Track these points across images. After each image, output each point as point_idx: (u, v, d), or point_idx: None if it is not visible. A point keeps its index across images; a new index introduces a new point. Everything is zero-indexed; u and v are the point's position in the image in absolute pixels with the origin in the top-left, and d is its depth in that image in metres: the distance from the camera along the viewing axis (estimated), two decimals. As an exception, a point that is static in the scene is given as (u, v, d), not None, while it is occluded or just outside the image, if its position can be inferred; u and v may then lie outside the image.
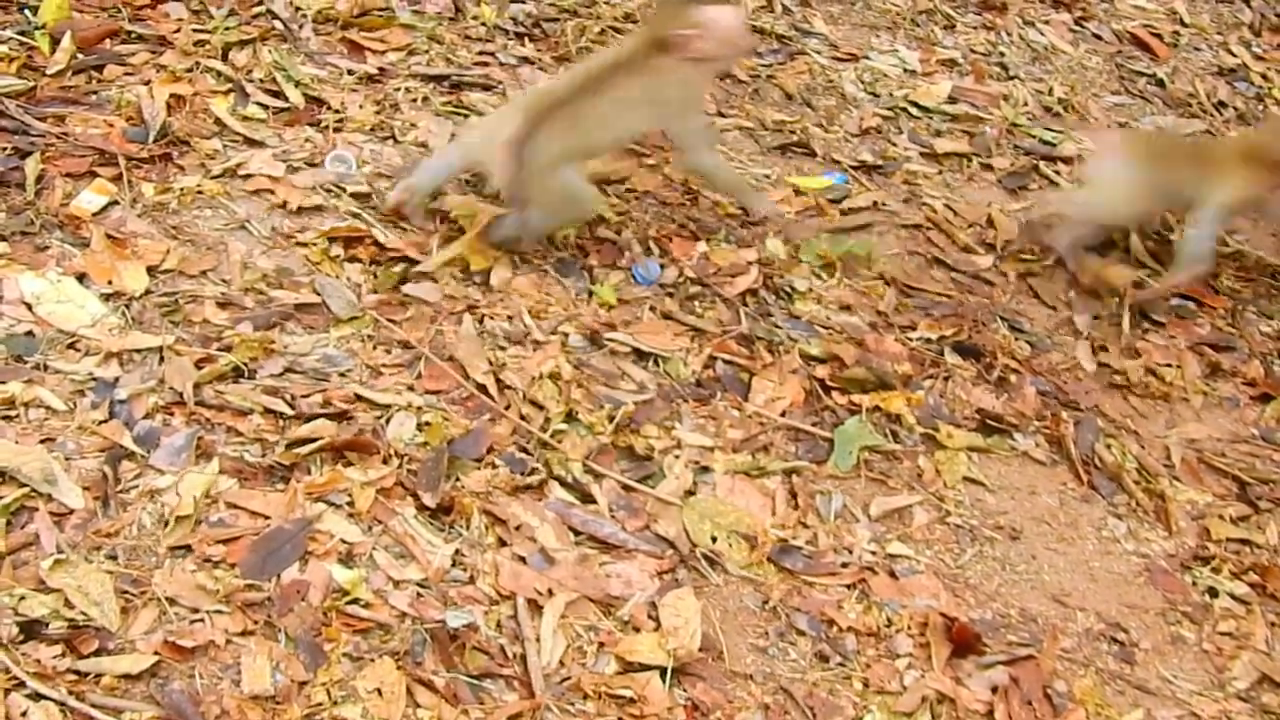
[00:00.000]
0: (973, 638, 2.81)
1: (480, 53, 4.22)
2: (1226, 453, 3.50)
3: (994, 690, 2.75)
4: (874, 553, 2.99)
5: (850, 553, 2.98)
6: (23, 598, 2.49)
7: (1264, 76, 5.17)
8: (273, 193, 3.52)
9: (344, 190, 3.57)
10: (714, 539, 2.92)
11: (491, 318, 3.30)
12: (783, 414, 3.24)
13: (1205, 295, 3.98)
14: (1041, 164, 4.36)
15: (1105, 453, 3.37)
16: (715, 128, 3.95)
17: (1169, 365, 3.70)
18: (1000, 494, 3.21)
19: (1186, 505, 3.31)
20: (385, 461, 2.88)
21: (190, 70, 3.86)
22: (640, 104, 3.44)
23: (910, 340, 3.53)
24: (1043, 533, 3.15)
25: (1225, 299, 3.99)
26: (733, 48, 3.62)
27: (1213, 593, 3.10)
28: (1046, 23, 5.13)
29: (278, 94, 3.87)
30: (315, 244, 3.39)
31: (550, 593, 2.71)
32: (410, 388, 3.07)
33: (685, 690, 2.62)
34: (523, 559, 2.77)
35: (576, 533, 2.86)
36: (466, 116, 3.93)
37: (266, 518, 2.71)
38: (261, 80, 3.89)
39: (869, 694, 2.69)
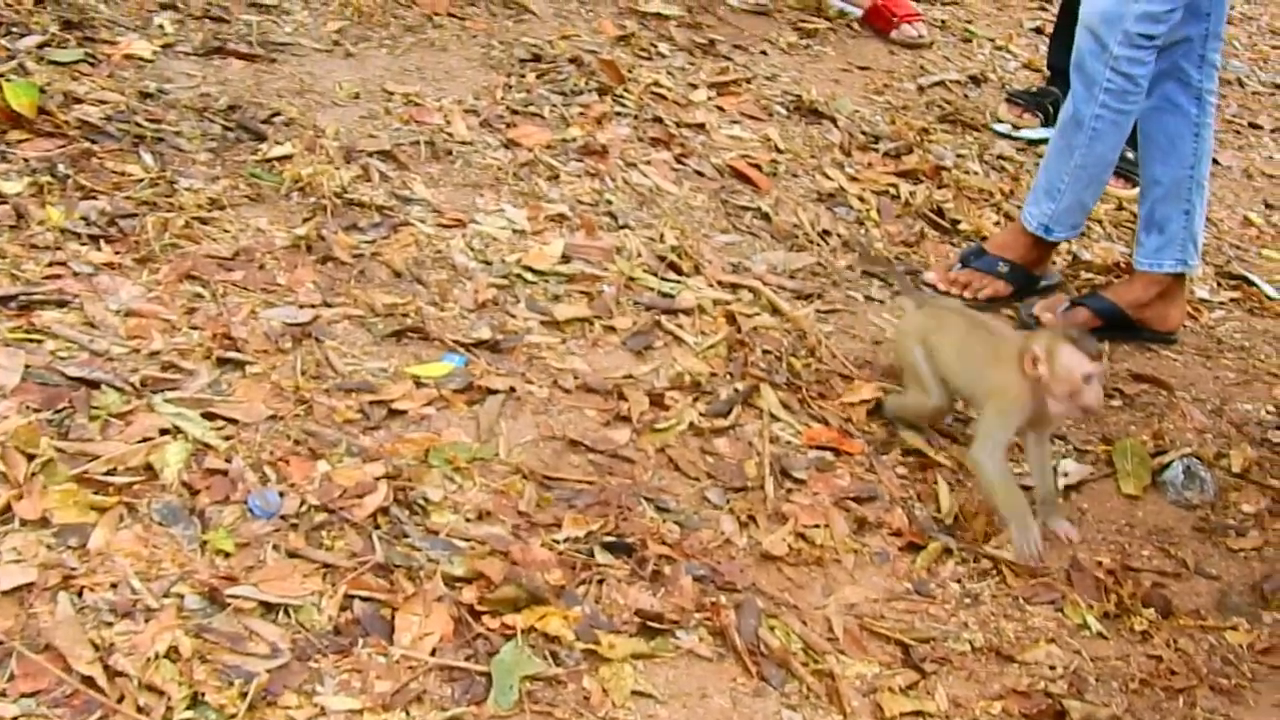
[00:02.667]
0: None
1: (50, 263, 3.82)
2: (885, 614, 3.44)
3: None
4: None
5: (524, 806, 2.76)
6: None
7: (860, 199, 5.26)
8: None
9: (-98, 450, 3.14)
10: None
11: (92, 589, 2.92)
12: (433, 652, 2.98)
13: (841, 441, 3.95)
14: (663, 318, 4.26)
15: (770, 636, 3.25)
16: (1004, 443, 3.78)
17: (817, 526, 3.63)
18: (671, 704, 3.04)
19: (856, 681, 3.22)
20: (-17, 793, 2.50)
21: None
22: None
23: (558, 543, 3.33)
24: (720, 742, 3.00)
25: (861, 443, 3.97)
26: (1066, 398, 3.63)
27: (889, 778, 3.02)
28: (648, 163, 5.08)
29: None
30: (-124, 525, 2.95)
31: None
32: (2, 694, 2.68)
33: None
34: None
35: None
36: (40, 342, 3.53)
37: None
38: None
39: None
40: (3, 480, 3.12)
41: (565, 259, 4.41)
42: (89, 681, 2.72)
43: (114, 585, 2.94)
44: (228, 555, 3.09)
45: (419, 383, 3.75)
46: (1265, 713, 3.39)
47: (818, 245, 4.91)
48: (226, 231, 4.12)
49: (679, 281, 4.46)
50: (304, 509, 3.26)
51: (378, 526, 3.26)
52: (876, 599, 3.49)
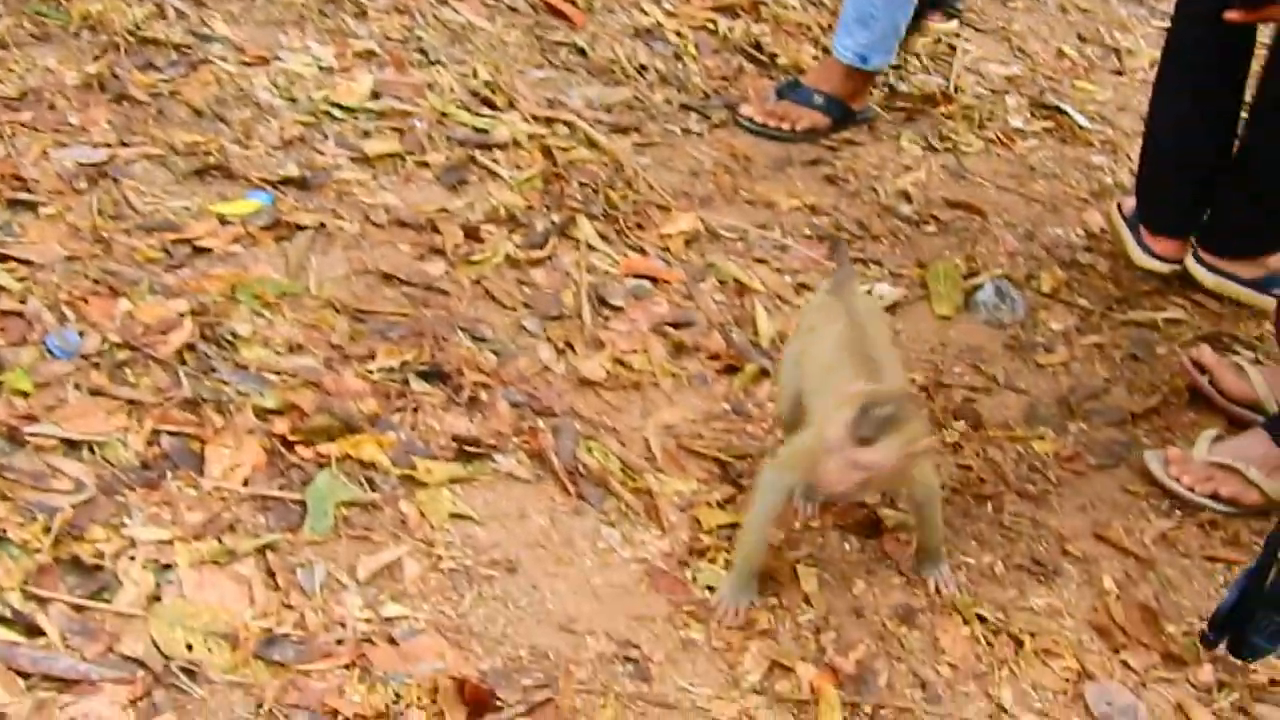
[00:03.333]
0: (486, 695, 2.63)
1: None
2: (703, 433, 3.47)
3: (517, 747, 2.60)
4: (369, 620, 2.75)
5: (343, 627, 2.73)
6: None
7: (678, 34, 5.21)
8: None
9: None
10: (190, 646, 2.60)
11: (-117, 431, 2.83)
12: (245, 483, 2.94)
13: (659, 272, 3.95)
14: (477, 153, 4.20)
15: (587, 457, 3.27)
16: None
17: (635, 351, 3.64)
18: (490, 525, 3.05)
19: (674, 497, 3.25)
20: None
21: None
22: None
23: (372, 373, 3.30)
24: (539, 558, 3.01)
25: (679, 271, 3.97)
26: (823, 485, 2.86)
27: (711, 588, 3.05)
28: (460, -1, 4.97)
29: None
30: None
31: (5, 759, 2.34)
32: None
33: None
34: (-36, 726, 2.38)
35: (26, 675, 2.48)
36: None
37: None
38: None
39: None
40: None
41: (375, 95, 4.31)
42: (-117, 524, 2.64)
43: (-96, 426, 2.85)
44: (26, 395, 3.00)
45: (224, 220, 3.66)
46: (1069, 515, 3.50)
47: (635, 80, 4.86)
48: (12, 71, 3.95)
49: (493, 116, 4.40)
50: (106, 347, 3.17)
51: (184, 362, 3.19)
52: (695, 420, 3.51)
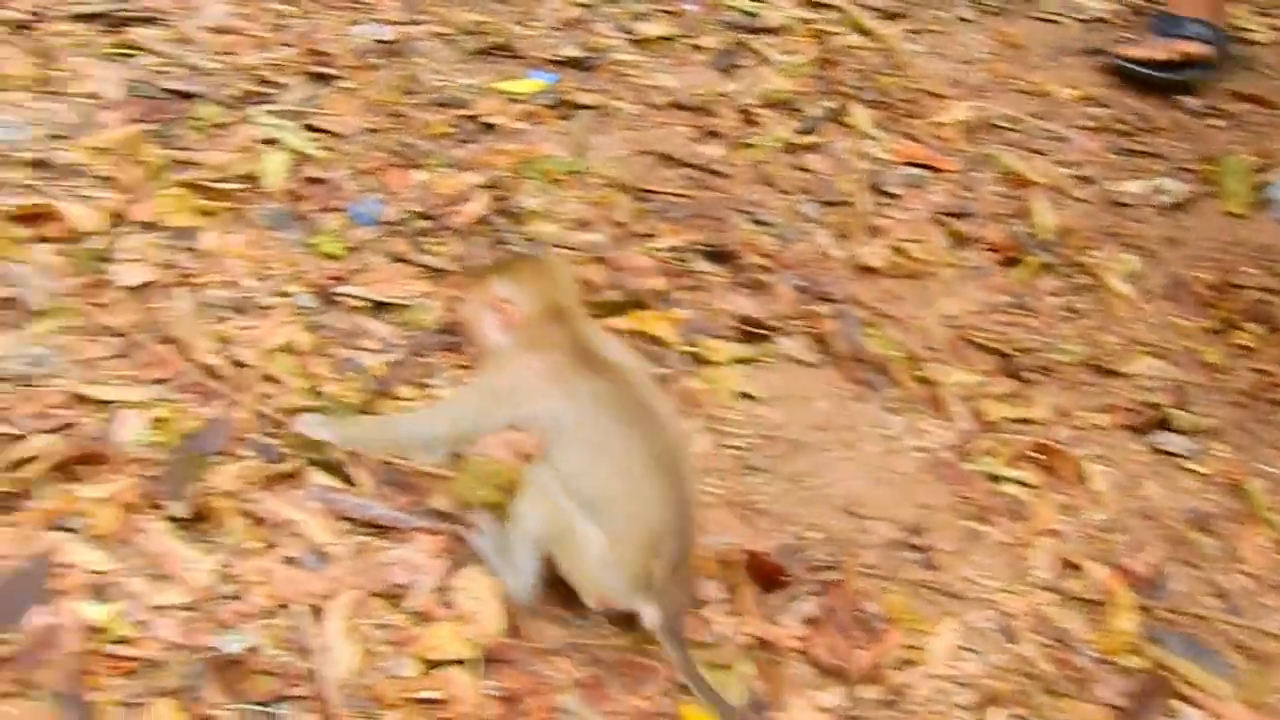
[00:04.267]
0: (776, 570, 2.68)
1: (139, -20, 3.79)
2: (984, 326, 3.45)
3: (807, 623, 2.63)
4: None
5: (638, 493, 2.81)
6: None
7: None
8: (-70, 169, 3.09)
9: (15, 160, 3.15)
10: (492, 504, 2.70)
11: (209, 287, 2.96)
12: (543, 349, 3.03)
13: (935, 160, 3.92)
14: (748, 37, 4.22)
15: (870, 344, 3.28)
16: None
17: (914, 240, 3.63)
18: (775, 405, 3.08)
19: (956, 389, 3.24)
20: (119, 471, 2.56)
21: None
22: None
23: (656, 251, 3.35)
24: (824, 441, 3.04)
25: (955, 160, 3.94)
26: None
27: (996, 479, 3.05)
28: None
29: (-88, 57, 3.40)
30: (-6, 227, 2.99)
31: (330, 595, 2.46)
32: (134, 379, 2.73)
33: (494, 679, 2.41)
34: (294, 560, 2.50)
35: (346, 520, 2.60)
36: (136, 56, 3.53)
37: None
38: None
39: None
40: (115, 186, 3.15)
41: (651, -20, 4.35)
42: (211, 371, 2.78)
43: (228, 284, 2.99)
44: (335, 258, 3.12)
45: (510, 98, 3.73)
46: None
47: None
48: (314, -49, 4.08)
49: (763, 1, 4.38)
50: (406, 216, 3.28)
51: (478, 234, 3.28)
52: (975, 311, 3.49)
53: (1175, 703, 2.63)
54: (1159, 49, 4.50)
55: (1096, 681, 2.65)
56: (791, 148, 3.84)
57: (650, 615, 2.42)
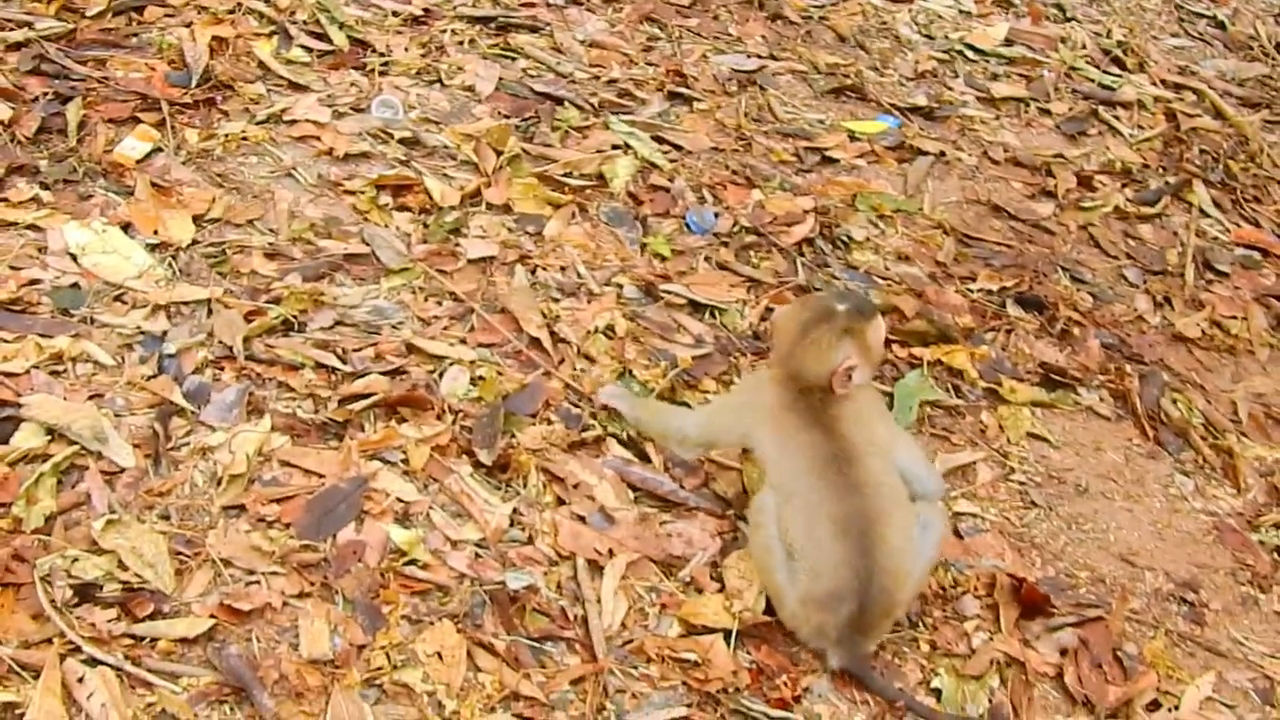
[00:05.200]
0: (1041, 599, 2.74)
1: (527, -5, 4.14)
2: (1294, 406, 3.43)
3: (1063, 653, 2.68)
4: (942, 513, 2.93)
5: (915, 511, 2.91)
6: (75, 559, 2.42)
7: (1321, 15, 5.07)
8: (319, 139, 3.45)
9: (391, 136, 3.50)
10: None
11: (544, 269, 3.23)
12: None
13: (1271, 245, 3.89)
14: (1100, 109, 4.26)
15: (1171, 408, 3.29)
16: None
17: (1234, 317, 3.62)
18: (1065, 450, 3.14)
19: (1254, 462, 3.23)
20: (439, 417, 2.82)
21: (232, 12, 3.79)
22: None
23: (971, 292, 3.45)
24: (1109, 490, 3.08)
25: (1291, 248, 3.92)
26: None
27: (1281, 551, 3.03)
28: (1103, -39, 5.01)
29: (321, 36, 3.80)
30: (363, 192, 3.32)
31: (611, 553, 2.65)
32: (462, 341, 3.00)
33: (749, 653, 2.55)
34: (582, 518, 2.70)
35: (635, 490, 2.80)
36: (514, 59, 3.85)
37: (321, 476, 2.65)
38: (305, 22, 3.82)
39: (936, 656, 2.62)
40: (475, 170, 3.46)
41: (1008, 42, 4.45)
42: (535, 343, 3.02)
43: (563, 268, 3.24)
44: (664, 259, 3.34)
45: (853, 136, 3.90)
46: None
47: (1273, 59, 4.76)
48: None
49: (1121, 76, 4.43)
50: (736, 229, 3.48)
51: (802, 254, 3.45)
52: (1287, 392, 3.47)
53: None
54: None
55: (1354, 760, 2.62)
56: (1124, 215, 3.87)
57: (832, 659, 2.55)
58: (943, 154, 3.92)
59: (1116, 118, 4.25)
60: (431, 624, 2.46)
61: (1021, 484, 3.03)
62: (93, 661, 2.30)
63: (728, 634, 2.54)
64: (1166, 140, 4.21)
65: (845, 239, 3.52)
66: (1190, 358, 3.48)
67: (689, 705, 2.43)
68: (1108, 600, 2.81)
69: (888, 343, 3.24)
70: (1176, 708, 2.63)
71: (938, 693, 2.56)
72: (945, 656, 2.62)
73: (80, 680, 2.28)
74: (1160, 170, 4.09)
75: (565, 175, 3.49)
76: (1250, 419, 3.34)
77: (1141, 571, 2.91)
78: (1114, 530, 2.99)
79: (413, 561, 2.55)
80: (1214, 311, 3.62)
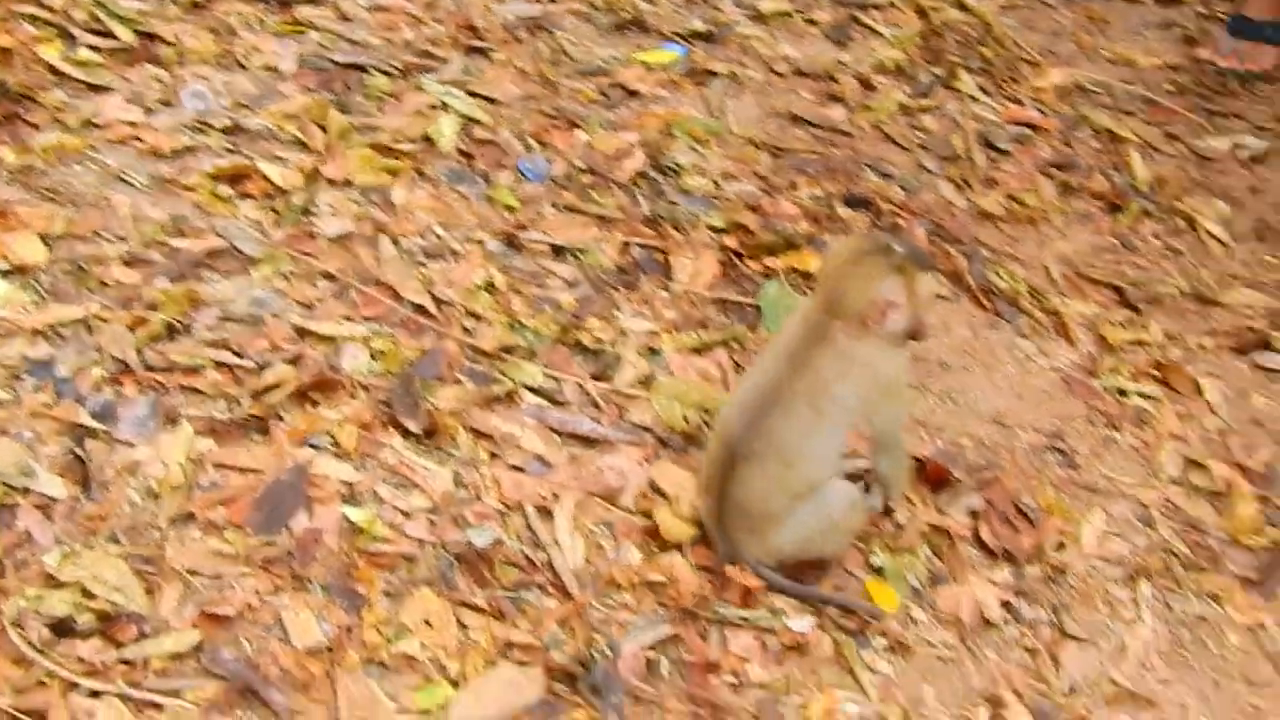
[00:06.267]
0: (944, 471, 2.96)
1: (302, -38, 4.09)
2: (1096, 264, 3.73)
3: (973, 515, 2.90)
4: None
5: (806, 411, 3.09)
6: (40, 598, 2.37)
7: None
8: (138, 139, 3.37)
9: (211, 127, 3.45)
10: (685, 419, 2.98)
11: (404, 236, 3.26)
12: (708, 288, 3.32)
13: (1037, 120, 4.21)
14: (858, 13, 4.51)
15: (998, 280, 3.55)
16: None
17: (1027, 190, 3.91)
18: (920, 333, 3.37)
19: (1078, 317, 3.52)
20: (353, 396, 2.84)
21: (3, 19, 3.63)
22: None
23: (801, 199, 3.63)
24: (967, 363, 3.32)
25: (1055, 120, 4.23)
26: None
27: (1123, 393, 3.33)
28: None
29: (105, 33, 3.68)
30: (201, 186, 3.27)
31: (556, 496, 2.74)
32: (349, 318, 3.02)
33: (703, 563, 2.68)
34: (520, 468, 2.78)
35: (559, 434, 2.89)
36: (305, 33, 3.83)
37: (258, 472, 2.65)
38: (84, 21, 3.70)
39: (869, 538, 2.81)
40: (305, 149, 3.44)
41: (761, -40, 4.64)
42: (420, 309, 3.06)
43: (421, 234, 3.28)
44: (512, 210, 3.41)
45: (649, 68, 4.03)
46: None
47: (996, -53, 5.10)
48: (450, -66, 4.38)
49: (869, -20, 4.69)
50: (572, 172, 3.57)
51: (638, 186, 3.57)
52: (1086, 251, 3.78)
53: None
54: (1231, 58, 4.74)
55: (1227, 559, 2.95)
56: (907, 110, 4.13)
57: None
58: (733, 74, 4.09)
59: (874, 20, 4.50)
60: (410, 594, 2.51)
61: (893, 370, 3.24)
62: (94, 694, 2.27)
63: (684, 547, 2.68)
64: (924, 35, 4.48)
65: (673, 167, 3.65)
66: (999, 233, 3.76)
67: (671, 623, 2.55)
68: (996, 462, 3.05)
69: (741, 257, 3.42)
70: (1079, 544, 2.91)
71: (879, 569, 2.76)
72: (877, 537, 2.81)
73: (91, 716, 2.26)
74: (926, 64, 4.36)
75: (395, 142, 3.51)
76: (1064, 279, 3.64)
77: (1014, 430, 3.17)
78: (981, 398, 3.23)
79: (374, 538, 2.59)
80: (1008, 187, 3.90)
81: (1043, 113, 4.27)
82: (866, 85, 4.19)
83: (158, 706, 2.27)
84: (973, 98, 4.24)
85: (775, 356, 2.63)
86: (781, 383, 2.57)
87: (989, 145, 4.07)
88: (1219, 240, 3.93)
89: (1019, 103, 4.30)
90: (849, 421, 2.64)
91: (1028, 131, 4.17)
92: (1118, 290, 3.65)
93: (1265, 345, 3.55)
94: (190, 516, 2.56)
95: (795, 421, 2.57)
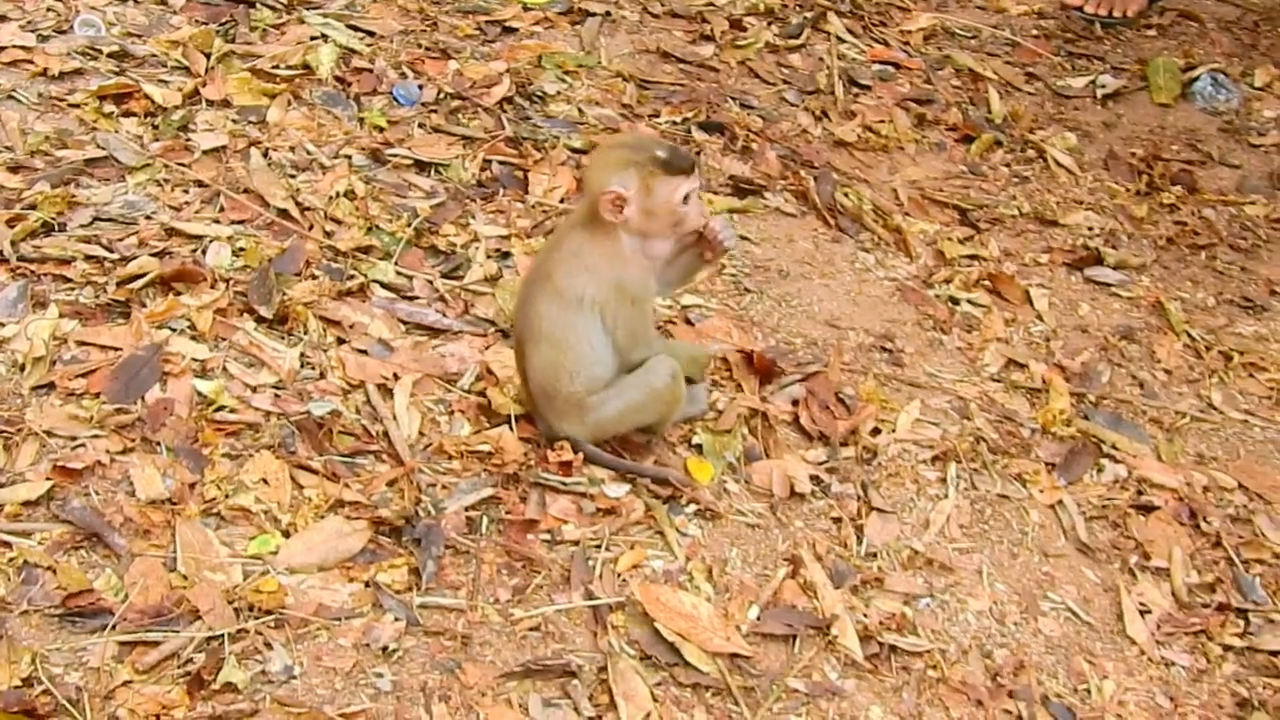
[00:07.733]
0: (770, 364, 3.18)
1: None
2: (944, 188, 3.96)
3: (795, 402, 3.12)
4: (669, 306, 3.32)
5: (648, 309, 3.31)
6: (-101, 452, 2.60)
7: None
8: (31, 62, 3.59)
9: (100, 52, 3.67)
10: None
11: (275, 150, 3.47)
12: (561, 201, 3.53)
13: (901, 60, 4.44)
14: (736, -42, 4.75)
15: (845, 200, 3.78)
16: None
17: (882, 121, 4.14)
18: (764, 244, 3.58)
19: (920, 234, 3.75)
20: (213, 286, 3.06)
21: (-96, -47, 3.85)
22: None
23: (659, 125, 3.86)
24: (806, 272, 3.54)
25: (919, 60, 4.46)
26: (669, 230, 2.78)
27: (954, 301, 3.55)
28: None
29: (-1, -33, 3.91)
30: (87, 104, 3.49)
31: (396, 376, 2.95)
32: (216, 221, 3.24)
33: (531, 437, 2.90)
34: (364, 351, 3.00)
35: (405, 323, 3.10)
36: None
37: (117, 349, 2.86)
38: (-23, -45, 3.92)
39: (694, 423, 3.02)
40: (188, 73, 3.66)
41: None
42: (284, 214, 3.28)
43: (292, 149, 3.49)
44: (381, 129, 3.63)
45: (526, 8, 4.25)
46: (1278, 265, 3.90)
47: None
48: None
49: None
50: (441, 96, 3.79)
51: (504, 111, 3.79)
52: (936, 177, 4.00)
53: (1103, 461, 3.14)
54: (1100, 4, 4.97)
55: (1036, 446, 3.16)
56: (775, 49, 4.36)
57: None
58: (608, 14, 4.31)
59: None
60: (251, 456, 2.72)
61: (734, 275, 3.46)
62: (-52, 534, 2.49)
63: (512, 421, 2.89)
64: (796, -22, 4.73)
65: (540, 94, 3.88)
66: (852, 159, 3.99)
67: (493, 486, 2.77)
68: (823, 358, 3.27)
69: (597, 175, 3.64)
70: (894, 430, 3.12)
71: (699, 447, 2.97)
72: (700, 420, 3.03)
73: (-58, 554, 2.47)
74: (798, 8, 4.59)
75: (274, 68, 3.73)
76: (910, 201, 3.86)
77: (845, 332, 3.39)
78: (817, 303, 3.45)
79: (221, 408, 2.80)
80: (865, 119, 4.13)
81: (908, 54, 4.50)
82: (737, 26, 4.42)
83: (6, 545, 2.47)
84: (840, 39, 4.46)
85: (546, 245, 2.86)
86: (541, 267, 2.79)
87: (851, 82, 4.29)
88: (1066, 169, 4.16)
89: (885, 44, 4.52)
90: (596, 314, 2.75)
91: (891, 69, 4.40)
92: (961, 211, 3.87)
93: (1098, 261, 3.78)
94: (51, 386, 2.77)
95: (552, 307, 2.73)
